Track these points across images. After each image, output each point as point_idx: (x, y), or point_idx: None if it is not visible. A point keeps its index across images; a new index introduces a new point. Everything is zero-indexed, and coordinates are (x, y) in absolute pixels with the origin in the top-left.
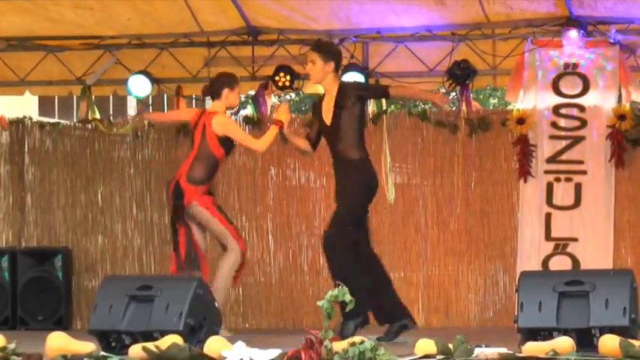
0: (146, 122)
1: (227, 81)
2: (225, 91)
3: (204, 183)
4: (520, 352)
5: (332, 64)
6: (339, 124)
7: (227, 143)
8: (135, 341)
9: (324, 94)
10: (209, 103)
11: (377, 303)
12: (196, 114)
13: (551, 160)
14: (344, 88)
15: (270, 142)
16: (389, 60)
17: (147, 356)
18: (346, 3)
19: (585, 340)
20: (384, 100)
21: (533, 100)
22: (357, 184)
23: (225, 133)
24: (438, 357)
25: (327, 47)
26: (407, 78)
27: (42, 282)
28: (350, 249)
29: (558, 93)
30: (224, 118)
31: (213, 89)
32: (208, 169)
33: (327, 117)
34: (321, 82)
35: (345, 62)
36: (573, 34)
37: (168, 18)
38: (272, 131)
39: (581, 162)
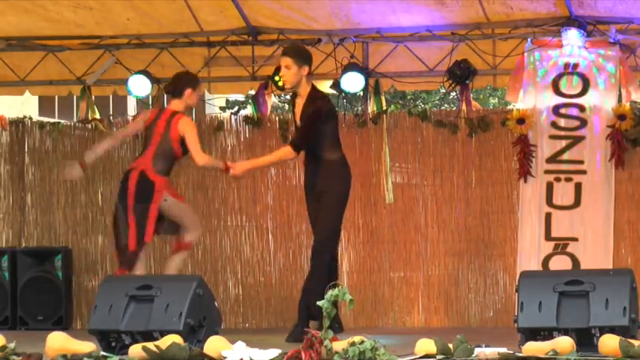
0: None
1: (191, 81)
2: (188, 91)
3: (168, 176)
4: (520, 352)
5: (306, 69)
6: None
7: (185, 145)
8: (135, 341)
9: (296, 93)
10: (209, 102)
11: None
12: (153, 112)
13: (551, 159)
14: (312, 97)
15: (208, 165)
16: (389, 60)
17: (147, 356)
18: (346, 3)
19: (585, 339)
20: (383, 100)
21: (533, 100)
22: (339, 185)
23: (184, 134)
24: (437, 357)
25: (301, 52)
26: (407, 78)
27: (42, 282)
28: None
29: (558, 93)
30: (190, 121)
31: (176, 87)
32: (168, 165)
33: (298, 118)
34: (296, 86)
35: (345, 62)
36: (573, 33)
37: (168, 18)
38: (217, 163)
39: (581, 162)
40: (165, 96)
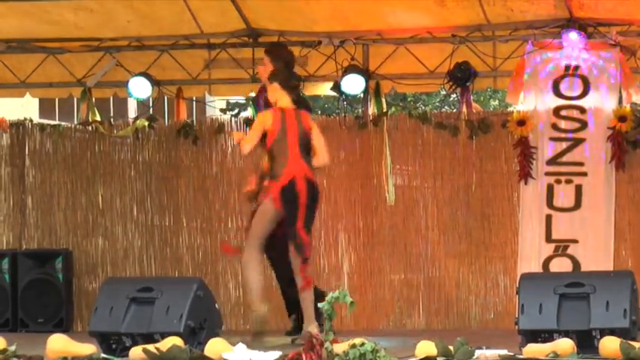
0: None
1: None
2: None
3: None
4: (521, 354)
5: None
6: None
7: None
8: (135, 343)
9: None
10: (210, 104)
11: None
12: (275, 115)
13: (552, 161)
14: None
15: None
16: (389, 62)
17: (147, 358)
18: (346, 4)
19: (586, 341)
20: (384, 102)
21: (534, 101)
22: None
23: (312, 128)
24: (438, 359)
25: (277, 50)
26: (407, 80)
27: (42, 284)
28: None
29: (559, 95)
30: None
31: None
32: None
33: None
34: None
35: (345, 64)
36: (573, 35)
37: (168, 20)
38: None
39: (581, 164)
40: (165, 98)
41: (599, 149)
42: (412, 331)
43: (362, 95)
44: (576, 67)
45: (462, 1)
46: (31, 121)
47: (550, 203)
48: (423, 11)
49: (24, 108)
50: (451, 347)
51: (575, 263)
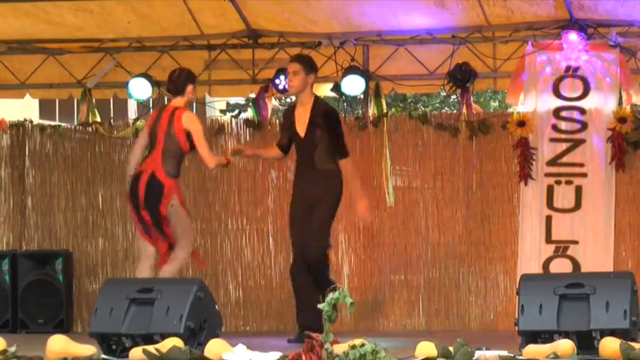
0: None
1: (191, 77)
2: (189, 88)
3: (178, 178)
4: (521, 355)
5: (312, 77)
6: (314, 136)
7: (191, 139)
8: (135, 344)
9: (295, 103)
10: (210, 105)
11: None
12: (154, 113)
13: (552, 162)
14: (319, 105)
15: (216, 164)
16: (389, 63)
17: (147, 359)
18: (346, 5)
19: (586, 342)
20: (384, 103)
21: (534, 102)
22: (333, 195)
23: (189, 129)
24: None
25: (309, 60)
26: (407, 81)
27: (42, 285)
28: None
29: (559, 96)
30: (195, 117)
31: (178, 85)
32: (177, 165)
33: (301, 129)
34: (301, 93)
35: (345, 65)
36: (574, 36)
37: (168, 21)
38: (221, 160)
39: (581, 165)
40: (165, 99)
41: (600, 150)
42: (412, 331)
43: (362, 96)
44: (576, 68)
45: (462, 2)
46: (31, 122)
47: (550, 204)
48: (422, 12)
49: (24, 109)
50: (451, 348)
51: (575, 264)
